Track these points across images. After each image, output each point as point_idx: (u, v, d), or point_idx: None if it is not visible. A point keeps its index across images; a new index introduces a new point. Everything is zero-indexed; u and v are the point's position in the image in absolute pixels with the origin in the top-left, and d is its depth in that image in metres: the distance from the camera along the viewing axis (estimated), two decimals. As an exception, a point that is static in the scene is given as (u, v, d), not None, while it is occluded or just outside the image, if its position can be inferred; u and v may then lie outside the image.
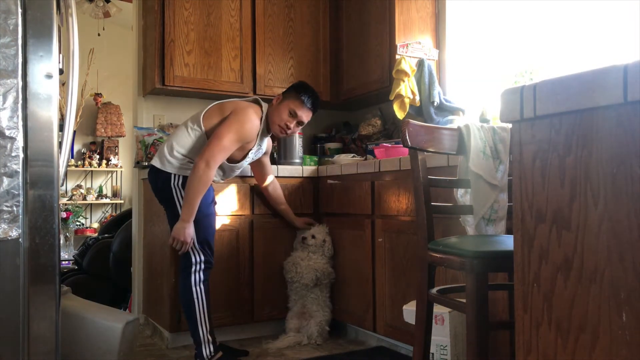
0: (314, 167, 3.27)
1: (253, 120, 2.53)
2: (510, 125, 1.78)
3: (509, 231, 1.80)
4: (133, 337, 2.39)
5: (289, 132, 2.63)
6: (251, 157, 2.68)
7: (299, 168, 3.22)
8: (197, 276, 2.50)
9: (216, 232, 2.98)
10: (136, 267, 3.46)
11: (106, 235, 4.27)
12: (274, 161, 3.56)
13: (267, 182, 2.95)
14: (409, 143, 1.64)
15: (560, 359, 0.87)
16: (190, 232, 2.44)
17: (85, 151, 6.93)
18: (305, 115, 2.63)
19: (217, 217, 2.99)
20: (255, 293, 3.04)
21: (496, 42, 2.96)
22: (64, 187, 6.27)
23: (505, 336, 1.99)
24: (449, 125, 2.66)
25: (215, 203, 2.66)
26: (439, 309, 1.96)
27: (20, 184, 1.52)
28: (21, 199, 1.52)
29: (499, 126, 1.86)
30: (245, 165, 2.72)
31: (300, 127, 2.69)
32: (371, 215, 2.78)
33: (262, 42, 3.44)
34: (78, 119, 6.58)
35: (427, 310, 1.68)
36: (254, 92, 3.41)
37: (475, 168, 1.74)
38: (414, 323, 1.77)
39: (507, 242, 1.55)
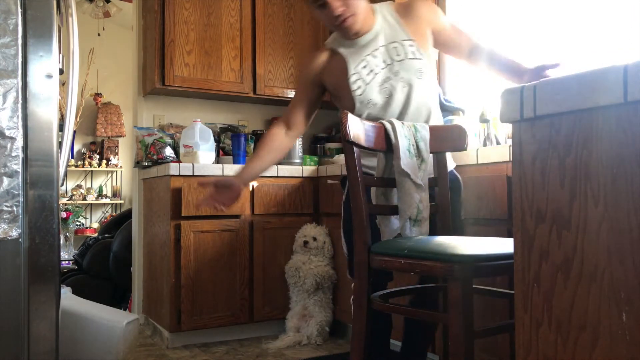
0: (314, 167, 3.27)
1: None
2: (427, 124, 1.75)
3: (431, 232, 1.72)
4: (133, 337, 2.39)
5: (340, 18, 1.85)
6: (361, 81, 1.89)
7: (299, 168, 3.22)
8: None
9: (216, 232, 2.99)
10: (136, 267, 3.46)
11: (106, 235, 4.27)
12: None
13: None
14: (351, 137, 1.51)
15: (560, 359, 0.87)
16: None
17: (85, 151, 6.92)
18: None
19: (217, 217, 3.00)
20: (255, 293, 3.04)
21: (496, 41, 2.96)
22: (64, 187, 6.27)
23: (505, 336, 1.99)
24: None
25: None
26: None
27: (20, 184, 1.52)
28: (21, 199, 1.52)
29: (419, 124, 1.79)
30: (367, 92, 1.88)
31: (337, 6, 1.84)
32: (371, 215, 2.78)
33: (262, 42, 3.44)
34: (78, 119, 6.57)
35: (367, 321, 1.56)
36: (254, 92, 3.41)
37: (405, 167, 1.67)
38: None
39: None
